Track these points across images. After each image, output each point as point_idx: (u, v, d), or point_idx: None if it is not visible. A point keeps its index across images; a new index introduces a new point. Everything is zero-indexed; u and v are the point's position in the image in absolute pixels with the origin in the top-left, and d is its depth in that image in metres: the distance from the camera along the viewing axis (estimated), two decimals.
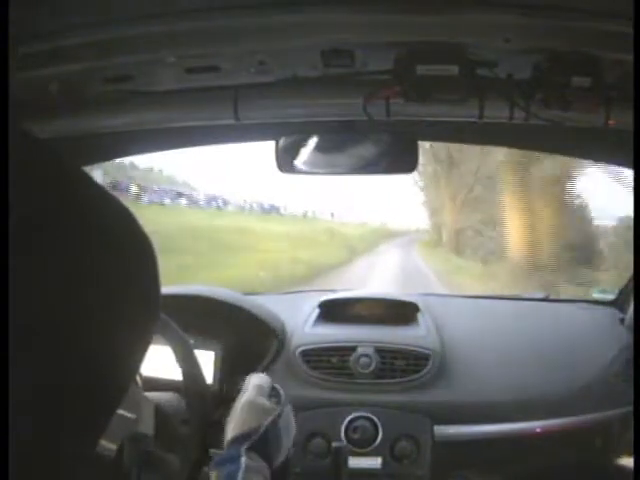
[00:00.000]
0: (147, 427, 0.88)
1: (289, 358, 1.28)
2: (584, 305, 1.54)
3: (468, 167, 8.32)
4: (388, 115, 0.90)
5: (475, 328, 1.41)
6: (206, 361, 1.15)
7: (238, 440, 0.71)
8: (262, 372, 1.26)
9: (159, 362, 1.02)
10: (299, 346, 1.28)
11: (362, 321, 1.37)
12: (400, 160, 1.09)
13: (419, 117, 0.96)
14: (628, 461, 1.26)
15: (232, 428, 0.74)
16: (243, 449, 0.69)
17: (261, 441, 0.71)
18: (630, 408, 1.20)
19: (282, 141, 1.09)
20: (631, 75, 0.73)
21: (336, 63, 0.84)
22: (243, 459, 0.68)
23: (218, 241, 7.00)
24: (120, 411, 0.84)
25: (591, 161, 1.52)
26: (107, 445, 0.81)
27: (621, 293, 1.48)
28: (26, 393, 0.26)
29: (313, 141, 1.09)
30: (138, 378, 1.00)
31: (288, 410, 0.80)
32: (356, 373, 1.25)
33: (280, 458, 0.75)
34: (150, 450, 0.86)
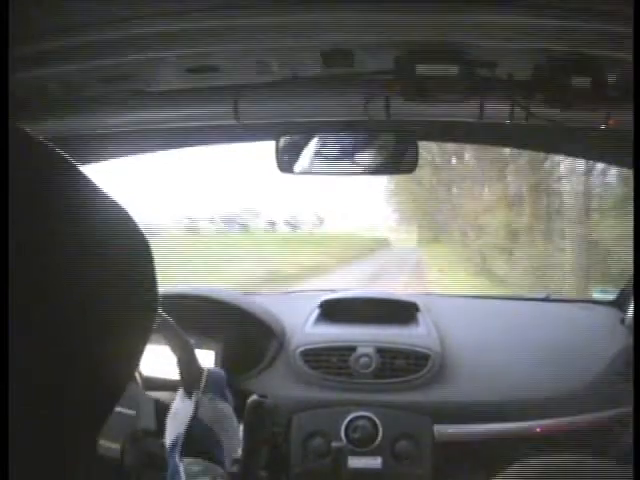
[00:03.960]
0: (148, 423, 0.88)
1: (289, 358, 1.27)
2: (584, 305, 1.54)
3: None
4: (388, 115, 0.90)
5: (475, 328, 1.41)
6: (206, 361, 1.14)
7: (170, 451, 0.71)
8: (260, 371, 1.26)
9: (159, 362, 1.02)
10: (299, 346, 1.28)
11: (362, 321, 1.37)
12: (400, 160, 1.09)
13: (419, 117, 0.96)
14: (628, 461, 1.26)
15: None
16: (178, 458, 0.69)
17: (192, 443, 0.71)
18: (630, 408, 1.20)
19: (282, 141, 1.09)
20: (631, 75, 0.73)
21: (336, 63, 0.84)
22: (181, 468, 0.68)
23: None
24: (120, 409, 0.84)
25: (591, 161, 1.52)
26: (108, 444, 0.82)
27: (621, 293, 1.47)
28: (25, 392, 0.26)
29: (313, 141, 1.09)
30: (138, 377, 1.00)
31: (216, 403, 0.77)
32: (356, 373, 1.25)
33: (232, 453, 0.74)
34: (151, 450, 0.86)
